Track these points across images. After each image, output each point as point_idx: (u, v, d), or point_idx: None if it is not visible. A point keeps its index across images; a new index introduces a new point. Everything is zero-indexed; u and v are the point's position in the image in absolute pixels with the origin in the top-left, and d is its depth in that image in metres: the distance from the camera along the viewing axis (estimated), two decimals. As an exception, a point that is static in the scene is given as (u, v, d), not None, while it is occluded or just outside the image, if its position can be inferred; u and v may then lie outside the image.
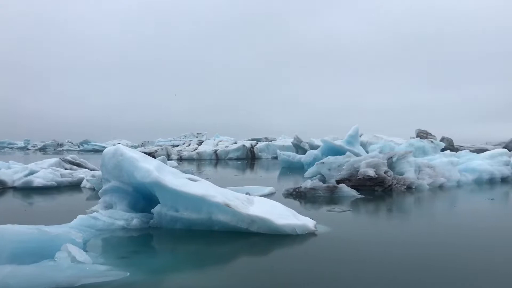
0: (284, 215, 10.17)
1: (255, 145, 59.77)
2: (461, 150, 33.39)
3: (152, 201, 10.68)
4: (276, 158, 43.93)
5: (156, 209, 10.38)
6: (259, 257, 8.58)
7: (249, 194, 12.78)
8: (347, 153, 23.89)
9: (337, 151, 27.59)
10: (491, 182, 22.47)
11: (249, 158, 55.87)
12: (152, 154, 46.89)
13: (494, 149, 30.89)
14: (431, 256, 8.11)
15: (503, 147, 39.26)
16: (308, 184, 17.07)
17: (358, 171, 19.05)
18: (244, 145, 58.09)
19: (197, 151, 57.52)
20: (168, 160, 35.71)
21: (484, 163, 23.51)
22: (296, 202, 15.21)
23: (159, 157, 24.37)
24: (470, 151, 30.39)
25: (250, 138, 68.54)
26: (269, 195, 16.16)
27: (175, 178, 10.52)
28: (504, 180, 23.15)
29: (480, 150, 36.21)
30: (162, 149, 57.20)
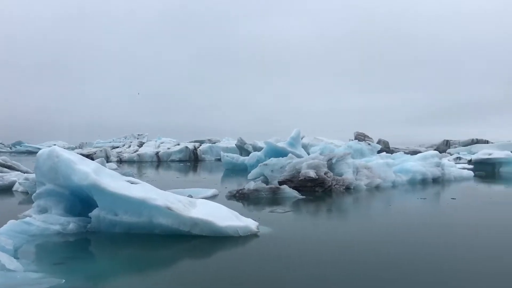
0: (226, 217, 10.16)
1: (198, 147, 59.31)
2: (396, 152, 35.01)
3: (90, 204, 10.30)
4: (219, 160, 43.87)
5: (94, 213, 10.03)
6: (201, 259, 8.52)
7: (192, 197, 12.67)
8: (289, 155, 24.29)
9: (280, 153, 27.97)
10: (423, 182, 23.71)
11: (192, 160, 55.36)
12: (90, 156, 45.22)
13: (426, 151, 32.68)
14: (369, 254, 8.45)
15: (435, 149, 41.68)
16: (251, 185, 17.18)
17: (300, 172, 19.44)
18: (187, 147, 57.48)
19: (137, 153, 56.19)
20: (107, 162, 34.62)
21: (417, 165, 24.76)
22: (239, 204, 15.26)
23: (98, 159, 23.58)
24: (405, 153, 31.94)
25: (193, 140, 67.86)
26: (212, 197, 16.11)
27: (114, 181, 10.21)
28: (435, 180, 24.50)
29: (414, 152, 38.20)
30: (101, 150, 55.36)
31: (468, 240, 9.84)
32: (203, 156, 57.54)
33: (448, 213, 14.46)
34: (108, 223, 9.92)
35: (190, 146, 58.68)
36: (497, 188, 23.81)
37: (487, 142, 56.81)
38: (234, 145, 55.07)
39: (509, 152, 34.64)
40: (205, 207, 10.59)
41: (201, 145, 61.31)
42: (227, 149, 52.67)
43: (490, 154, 34.71)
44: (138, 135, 71.48)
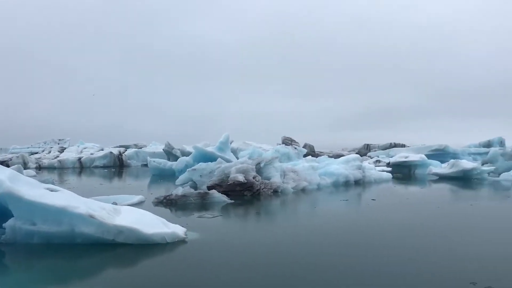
0: (153, 224, 9.96)
1: (124, 152, 57.38)
2: (321, 155, 36.20)
3: (4, 214, 9.63)
4: (146, 165, 42.76)
5: (9, 223, 9.39)
6: (126, 268, 8.27)
7: (116, 204, 12.27)
8: (218, 159, 24.28)
9: (209, 158, 27.86)
10: (346, 184, 24.77)
11: (117, 166, 53.47)
12: (5, 163, 42.23)
13: (348, 154, 34.14)
14: (296, 255, 8.68)
15: (356, 153, 43.67)
16: (179, 191, 16.96)
17: (229, 176, 19.52)
18: (111, 152, 55.34)
19: (58, 159, 53.30)
20: (25, 169, 32.50)
21: (340, 168, 25.83)
22: (167, 210, 15.00)
23: (14, 166, 22.09)
24: (329, 156, 33.18)
25: (118, 145, 65.60)
26: (138, 204, 15.71)
27: (31, 189, 9.64)
28: (357, 182, 25.69)
29: (337, 156, 39.77)
30: (17, 157, 51.85)
31: (385, 238, 10.44)
32: (128, 161, 55.84)
33: (368, 213, 15.22)
34: (24, 234, 9.33)
35: (115, 151, 56.56)
36: (412, 189, 25.43)
37: (403, 146, 60.40)
38: (162, 150, 53.99)
39: (423, 155, 37.18)
40: (130, 214, 10.31)
41: (126, 150, 59.39)
42: (154, 154, 51.55)
43: (406, 157, 37.03)
44: (59, 140, 67.82)
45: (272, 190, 19.84)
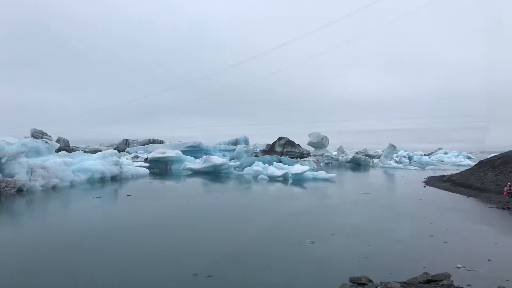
0: None
1: None
2: (76, 150, 34.30)
3: None
4: None
5: None
6: None
7: None
8: None
9: None
10: (102, 180, 24.15)
11: None
12: None
13: (106, 150, 33.31)
14: (46, 259, 8.11)
15: (115, 148, 43.03)
16: None
17: (-42, 174, 16.60)
18: None
19: None
20: None
21: (96, 163, 24.99)
22: None
23: None
24: (85, 151, 31.74)
25: None
26: None
27: None
28: (113, 178, 25.32)
29: (94, 151, 38.36)
30: None
31: (120, 238, 10.74)
32: None
33: (120, 209, 15.31)
34: None
35: None
36: (168, 183, 26.57)
37: (162, 142, 62.44)
38: None
39: (179, 151, 39.23)
40: None
41: None
42: None
43: (163, 153, 38.38)
44: None
45: (16, 189, 17.83)
